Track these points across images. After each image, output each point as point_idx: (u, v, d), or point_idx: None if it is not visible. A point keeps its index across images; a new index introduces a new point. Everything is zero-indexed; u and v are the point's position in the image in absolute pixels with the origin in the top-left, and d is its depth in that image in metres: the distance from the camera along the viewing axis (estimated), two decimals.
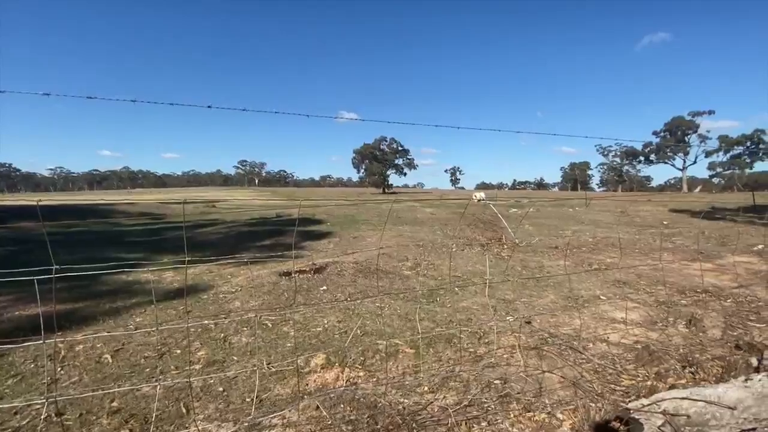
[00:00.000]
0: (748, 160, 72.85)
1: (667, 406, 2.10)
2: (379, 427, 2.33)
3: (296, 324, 4.11)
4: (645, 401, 2.22)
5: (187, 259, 2.80)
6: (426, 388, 2.79)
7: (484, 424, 2.37)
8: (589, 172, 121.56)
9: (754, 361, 2.97)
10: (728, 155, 74.20)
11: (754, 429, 1.91)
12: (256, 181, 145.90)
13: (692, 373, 2.94)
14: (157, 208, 20.03)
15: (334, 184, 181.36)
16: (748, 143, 71.15)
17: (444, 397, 2.68)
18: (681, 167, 77.34)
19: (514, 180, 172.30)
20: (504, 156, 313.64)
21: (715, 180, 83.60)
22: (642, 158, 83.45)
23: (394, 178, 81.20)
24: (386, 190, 76.31)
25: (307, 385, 2.91)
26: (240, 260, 7.28)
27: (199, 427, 2.39)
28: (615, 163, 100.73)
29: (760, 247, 8.30)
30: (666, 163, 79.73)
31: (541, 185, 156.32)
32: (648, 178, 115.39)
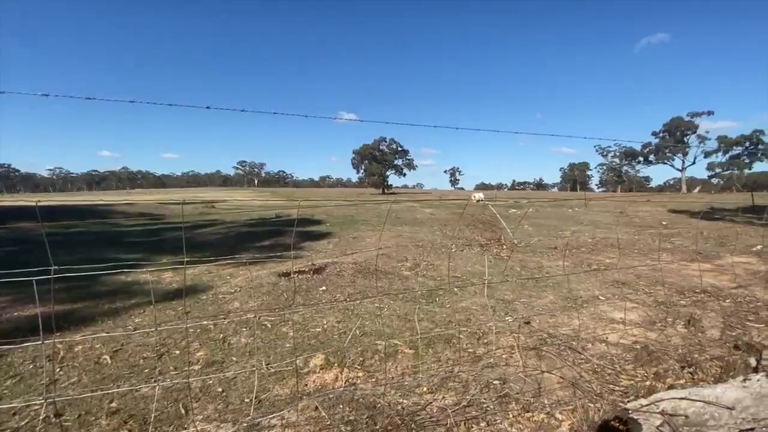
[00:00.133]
0: (747, 161, 72.96)
1: (666, 406, 2.10)
2: (378, 427, 2.33)
3: (295, 324, 4.11)
4: (644, 401, 2.22)
5: (186, 259, 2.80)
6: (425, 389, 2.79)
7: (483, 424, 2.37)
8: (589, 172, 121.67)
9: (752, 361, 2.98)
10: (727, 156, 74.35)
11: (752, 429, 1.91)
12: (256, 182, 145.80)
13: (691, 374, 2.94)
14: (156, 208, 20.01)
15: (334, 184, 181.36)
16: (747, 144, 71.27)
17: (443, 397, 2.68)
18: (680, 168, 77.51)
19: (514, 180, 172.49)
20: (503, 156, 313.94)
21: (714, 180, 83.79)
22: (641, 159, 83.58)
23: (393, 179, 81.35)
24: (386, 191, 76.32)
25: (306, 385, 2.91)
26: (239, 261, 7.28)
27: (198, 428, 2.39)
28: (614, 163, 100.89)
29: (758, 247, 8.31)
30: (665, 163, 79.88)
31: (540, 186, 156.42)
32: (647, 179, 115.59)
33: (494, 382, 2.87)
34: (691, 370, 2.99)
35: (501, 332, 3.85)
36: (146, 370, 3.18)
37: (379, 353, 3.41)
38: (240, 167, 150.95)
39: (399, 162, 79.39)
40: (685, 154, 75.87)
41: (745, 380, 2.27)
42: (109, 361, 3.31)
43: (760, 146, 69.84)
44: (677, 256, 7.87)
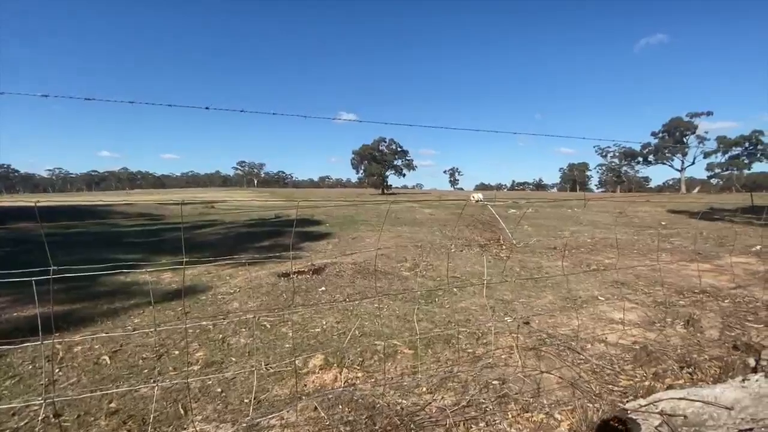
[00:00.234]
0: (746, 161, 72.98)
1: (665, 407, 2.10)
2: (377, 428, 2.33)
3: (295, 325, 4.11)
4: (642, 401, 2.22)
5: (185, 260, 2.81)
6: (424, 389, 2.79)
7: (482, 424, 2.37)
8: (588, 173, 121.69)
9: (751, 362, 2.98)
10: (726, 156, 74.34)
11: (751, 429, 1.91)
12: (255, 182, 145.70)
13: (690, 374, 2.95)
14: (156, 209, 20.00)
15: (333, 184, 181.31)
16: (747, 144, 71.27)
17: (442, 397, 2.68)
18: (679, 168, 77.52)
19: (513, 181, 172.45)
20: (503, 157, 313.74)
21: (714, 181, 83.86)
22: (640, 159, 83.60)
23: (393, 179, 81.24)
24: (385, 191, 76.30)
25: (306, 385, 2.91)
26: (238, 261, 7.28)
27: (197, 428, 2.39)
28: (614, 164, 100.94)
29: (758, 247, 8.32)
30: (664, 164, 79.92)
31: (539, 186, 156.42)
32: (646, 179, 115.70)
33: (493, 382, 2.88)
34: (690, 370, 2.99)
35: (500, 332, 3.85)
36: (145, 371, 3.18)
37: (378, 353, 3.41)
38: (239, 168, 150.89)
39: (398, 162, 79.38)
40: (684, 155, 75.92)
41: (744, 380, 2.28)
42: (109, 362, 3.31)
43: (759, 147, 69.87)
44: (676, 257, 7.87)
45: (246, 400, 2.70)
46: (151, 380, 3.02)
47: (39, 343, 3.16)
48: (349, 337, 3.79)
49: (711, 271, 6.42)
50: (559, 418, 2.43)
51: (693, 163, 76.30)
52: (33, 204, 1.91)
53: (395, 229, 12.46)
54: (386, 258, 7.60)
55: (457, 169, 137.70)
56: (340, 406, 2.56)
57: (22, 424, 2.46)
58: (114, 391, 2.83)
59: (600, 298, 5.08)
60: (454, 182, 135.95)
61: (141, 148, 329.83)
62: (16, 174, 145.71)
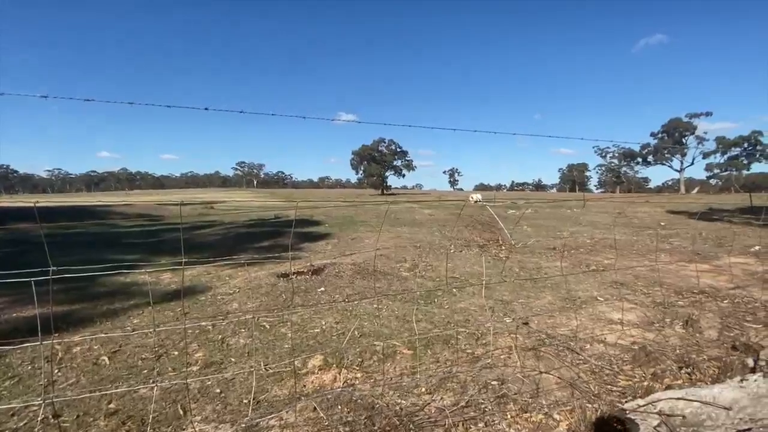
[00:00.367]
0: (745, 162, 73.14)
1: (663, 407, 2.11)
2: (376, 428, 2.33)
3: (294, 325, 4.11)
4: (641, 402, 2.23)
5: (184, 260, 2.81)
6: (423, 389, 2.80)
7: (481, 425, 2.38)
8: (587, 173, 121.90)
9: (750, 362, 2.99)
10: (725, 157, 74.45)
11: (749, 429, 1.92)
12: (255, 183, 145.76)
13: (688, 374, 2.95)
14: (155, 209, 20.00)
15: (333, 185, 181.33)
16: (746, 145, 71.42)
17: (441, 398, 2.69)
18: (678, 169, 77.65)
19: (512, 181, 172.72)
20: (502, 157, 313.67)
21: (713, 181, 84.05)
22: (640, 160, 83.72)
23: (392, 180, 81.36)
24: (385, 192, 76.34)
25: (305, 386, 2.91)
26: (238, 262, 7.28)
27: (196, 429, 2.39)
28: (613, 164, 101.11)
29: (756, 248, 8.34)
30: (664, 164, 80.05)
31: (539, 186, 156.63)
32: (646, 180, 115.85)
33: (492, 382, 2.88)
34: (688, 370, 3.00)
35: (499, 333, 3.85)
36: (145, 371, 3.18)
37: (377, 354, 3.41)
38: (239, 168, 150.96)
39: (398, 163, 79.48)
40: (683, 155, 76.05)
41: (742, 380, 2.28)
42: (108, 362, 3.31)
43: (758, 147, 70.02)
44: (675, 257, 7.89)
45: (245, 401, 2.70)
46: (151, 381, 3.02)
47: (38, 343, 3.15)
48: (348, 337, 3.79)
49: (710, 272, 6.43)
50: (558, 419, 2.43)
51: (692, 163, 76.51)
52: (32, 204, 1.91)
53: (394, 229, 12.47)
54: (385, 258, 7.61)
55: (457, 169, 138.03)
56: (339, 407, 2.56)
57: (22, 424, 2.46)
58: (113, 391, 2.83)
59: (599, 298, 5.08)
60: (453, 183, 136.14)
61: (140, 149, 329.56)
62: (16, 174, 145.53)
